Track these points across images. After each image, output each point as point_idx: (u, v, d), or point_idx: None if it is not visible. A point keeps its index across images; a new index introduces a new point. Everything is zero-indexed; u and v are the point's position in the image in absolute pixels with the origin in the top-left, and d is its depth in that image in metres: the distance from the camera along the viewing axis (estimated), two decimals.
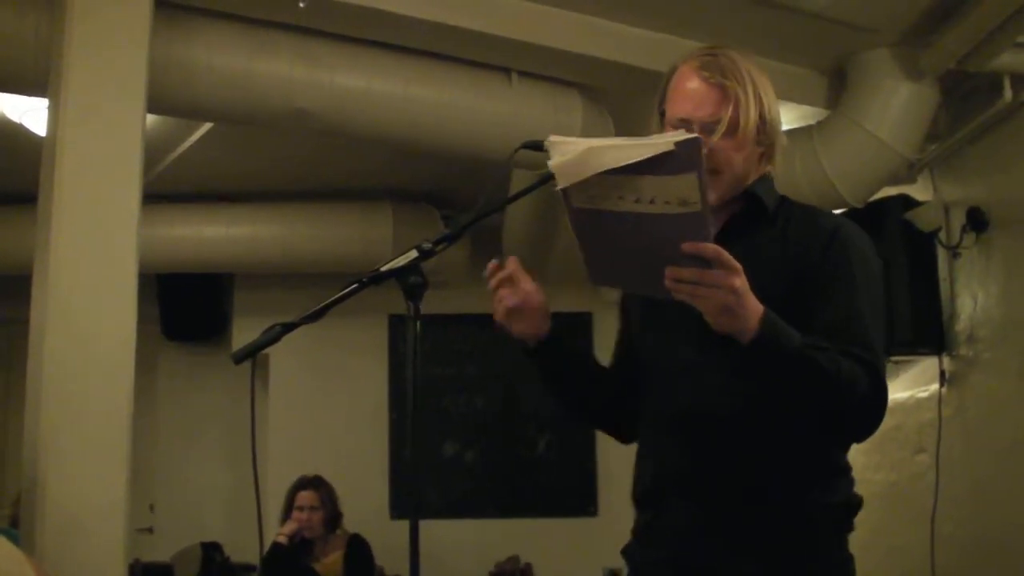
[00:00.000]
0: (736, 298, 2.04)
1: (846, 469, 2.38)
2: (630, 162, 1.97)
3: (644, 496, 2.49)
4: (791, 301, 2.22)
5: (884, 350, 2.26)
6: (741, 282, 2.03)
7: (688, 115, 2.35)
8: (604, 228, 2.11)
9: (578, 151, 2.03)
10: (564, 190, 2.08)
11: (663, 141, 1.96)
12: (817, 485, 2.31)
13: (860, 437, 2.29)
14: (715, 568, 2.30)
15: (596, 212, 2.08)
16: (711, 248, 2.01)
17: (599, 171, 2.01)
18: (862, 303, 2.26)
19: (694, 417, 2.34)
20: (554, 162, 2.07)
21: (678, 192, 1.97)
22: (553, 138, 2.09)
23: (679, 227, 2.00)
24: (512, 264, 2.42)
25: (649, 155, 1.96)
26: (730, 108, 2.31)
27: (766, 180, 2.46)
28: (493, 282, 2.42)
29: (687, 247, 2.00)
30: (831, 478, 2.35)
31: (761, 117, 2.35)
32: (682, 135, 1.97)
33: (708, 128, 2.31)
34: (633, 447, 2.67)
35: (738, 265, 2.03)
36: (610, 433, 2.70)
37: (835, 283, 2.27)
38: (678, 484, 2.38)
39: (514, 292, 2.40)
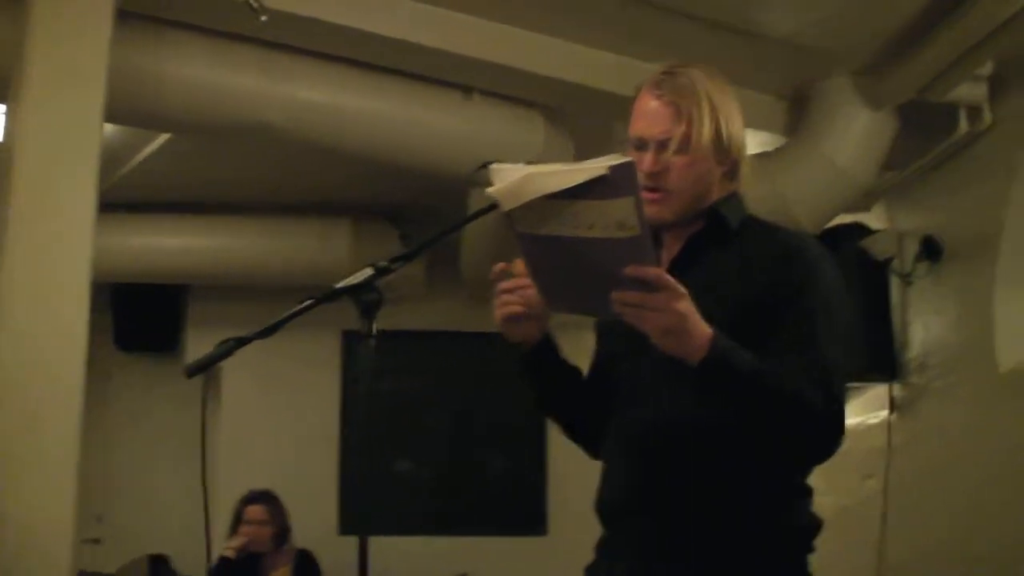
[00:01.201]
0: (680, 321, 2.05)
1: (806, 490, 2.38)
2: (566, 187, 1.99)
3: (604, 512, 2.49)
4: (750, 319, 2.23)
5: (843, 369, 2.25)
6: (685, 305, 2.05)
7: (642, 133, 2.37)
8: (551, 254, 2.13)
9: (518, 177, 2.05)
10: (510, 217, 2.10)
11: (597, 166, 1.98)
12: (775, 506, 2.30)
13: (817, 459, 2.29)
14: None
15: (541, 238, 2.10)
16: (652, 272, 2.02)
17: (536, 196, 2.02)
18: (820, 322, 2.26)
19: (652, 434, 2.35)
20: (494, 188, 2.09)
21: (616, 216, 1.98)
22: (495, 165, 2.12)
23: (621, 251, 2.01)
24: (519, 269, 2.38)
25: (583, 180, 1.98)
26: (683, 126, 2.32)
27: (732, 199, 2.47)
28: (501, 287, 2.38)
29: (630, 271, 2.01)
30: (790, 499, 2.34)
31: (717, 134, 2.36)
32: (616, 159, 1.98)
33: (661, 145, 2.33)
34: (584, 465, 2.67)
35: (682, 289, 2.04)
36: (584, 447, 2.68)
37: (794, 301, 2.27)
38: (634, 501, 2.38)
39: (520, 298, 2.36)
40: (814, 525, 2.37)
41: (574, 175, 1.99)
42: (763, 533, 2.28)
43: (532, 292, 2.35)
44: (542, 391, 2.57)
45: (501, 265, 2.37)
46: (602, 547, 2.49)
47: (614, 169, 1.96)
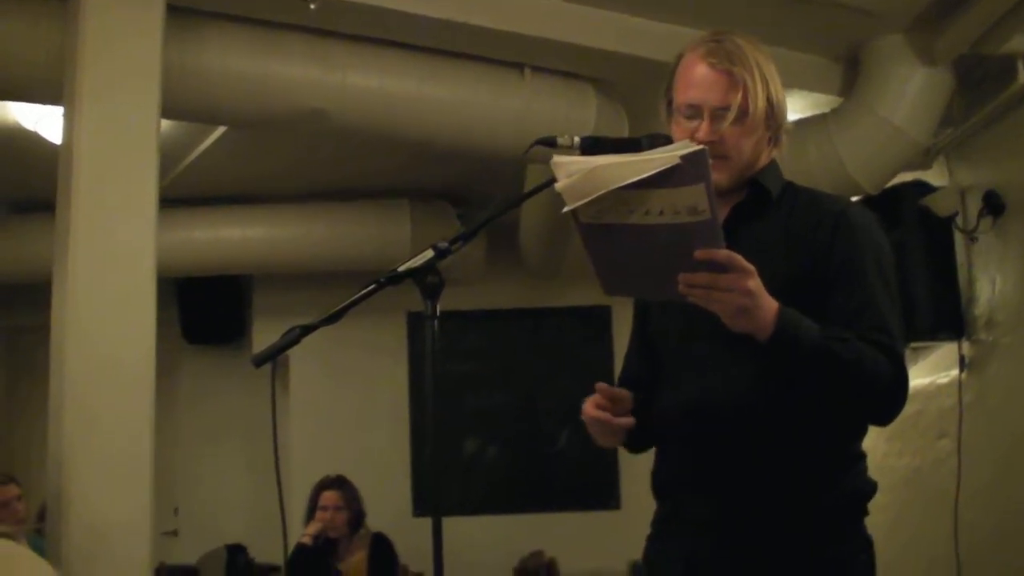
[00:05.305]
0: (751, 299, 2.04)
1: (860, 456, 2.38)
2: (636, 179, 1.97)
3: (661, 489, 2.50)
4: (798, 287, 2.22)
5: (902, 331, 2.27)
6: (755, 283, 2.04)
7: (697, 100, 2.34)
8: (614, 241, 2.11)
9: (584, 171, 2.02)
10: (574, 210, 2.07)
11: (669, 155, 1.95)
12: (832, 475, 2.30)
13: (883, 422, 2.29)
14: (730, 561, 2.30)
15: (605, 226, 2.08)
16: (724, 254, 2.01)
17: (606, 190, 2.00)
18: (876, 287, 2.26)
19: (708, 411, 2.34)
20: (561, 184, 2.06)
21: (687, 202, 1.97)
22: (556, 159, 2.08)
23: (689, 235, 2.00)
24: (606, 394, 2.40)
25: (656, 170, 1.95)
26: (739, 95, 2.30)
27: (772, 167, 2.45)
28: (595, 418, 2.40)
29: (700, 255, 2.00)
30: (846, 467, 2.34)
31: (769, 101, 2.34)
32: (688, 147, 1.96)
33: (718, 114, 2.31)
34: None
35: (751, 267, 2.03)
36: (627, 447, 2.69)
37: (847, 269, 2.27)
38: (693, 477, 2.38)
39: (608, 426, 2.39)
40: (869, 489, 2.37)
41: (643, 166, 1.97)
42: (822, 501, 2.28)
43: (617, 419, 2.37)
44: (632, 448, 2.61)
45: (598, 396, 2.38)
46: (661, 523, 2.50)
47: (686, 158, 1.94)
